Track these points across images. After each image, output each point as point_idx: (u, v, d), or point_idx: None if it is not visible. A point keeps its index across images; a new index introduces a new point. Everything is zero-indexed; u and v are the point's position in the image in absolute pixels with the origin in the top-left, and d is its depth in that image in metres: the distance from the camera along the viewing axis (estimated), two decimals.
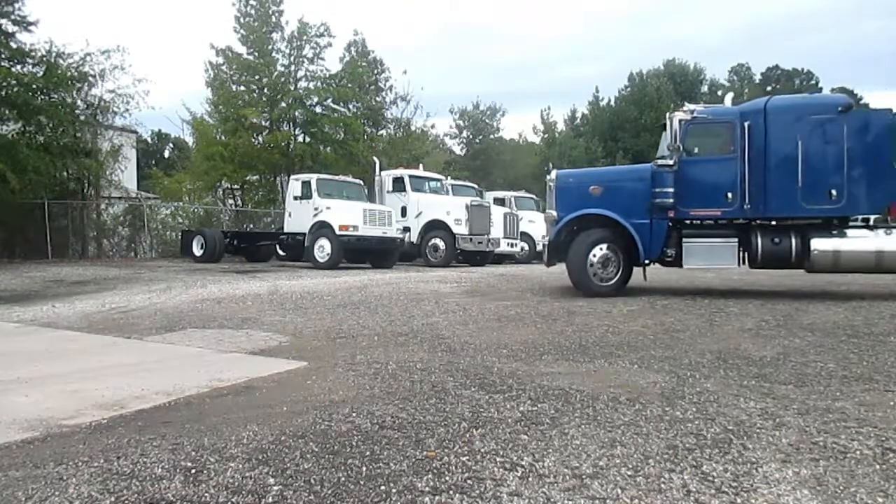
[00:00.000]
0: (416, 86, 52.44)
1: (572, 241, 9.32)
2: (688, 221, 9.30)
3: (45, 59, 19.07)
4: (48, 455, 3.07)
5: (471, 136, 56.41)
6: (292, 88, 26.70)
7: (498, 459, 2.90)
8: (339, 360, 5.35)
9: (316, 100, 27.32)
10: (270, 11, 26.51)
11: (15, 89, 17.84)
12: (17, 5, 18.47)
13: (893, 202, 8.75)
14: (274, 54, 26.61)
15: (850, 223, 8.89)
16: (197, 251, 18.99)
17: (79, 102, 20.65)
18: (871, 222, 8.94)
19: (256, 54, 26.26)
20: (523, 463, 2.86)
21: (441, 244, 18.29)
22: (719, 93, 54.75)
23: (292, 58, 26.93)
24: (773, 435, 3.23)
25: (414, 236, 18.52)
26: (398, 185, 19.27)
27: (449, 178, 23.64)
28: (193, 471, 2.78)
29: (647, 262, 9.29)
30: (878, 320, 6.85)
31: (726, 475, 2.71)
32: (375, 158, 20.78)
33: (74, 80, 19.80)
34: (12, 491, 2.60)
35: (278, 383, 4.61)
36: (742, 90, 54.06)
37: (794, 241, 8.73)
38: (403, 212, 18.62)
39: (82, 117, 20.74)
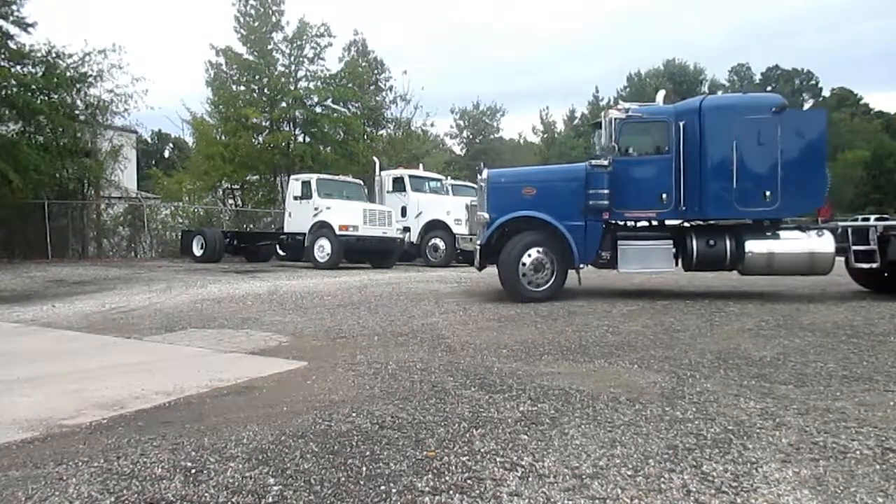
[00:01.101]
0: (416, 86, 52.35)
1: (504, 245, 8.83)
2: (623, 223, 9.10)
3: (44, 59, 19.05)
4: (48, 455, 3.07)
5: (471, 136, 56.51)
6: (292, 88, 26.67)
7: (498, 459, 2.90)
8: (339, 360, 5.36)
9: (316, 100, 27.29)
10: (270, 11, 26.47)
11: (15, 90, 17.82)
12: (15, 7, 18.46)
13: (824, 203, 8.70)
14: (274, 54, 26.57)
15: (783, 225, 8.78)
16: (197, 251, 18.98)
17: (78, 102, 20.63)
18: (801, 224, 8.85)
19: (256, 54, 26.22)
20: (523, 463, 2.86)
21: (441, 244, 18.27)
22: (719, 93, 54.82)
23: (292, 58, 26.90)
24: (773, 435, 3.23)
25: (414, 236, 18.49)
26: (398, 185, 19.24)
27: (449, 178, 23.61)
28: (193, 471, 2.78)
29: (581, 265, 8.95)
30: (878, 320, 6.85)
31: (726, 475, 2.71)
32: (375, 158, 20.75)
33: (74, 81, 19.78)
34: (12, 491, 2.60)
35: (278, 383, 4.62)
36: (742, 90, 54.08)
37: (728, 243, 8.61)
38: (403, 212, 18.60)
39: (82, 117, 20.72)
